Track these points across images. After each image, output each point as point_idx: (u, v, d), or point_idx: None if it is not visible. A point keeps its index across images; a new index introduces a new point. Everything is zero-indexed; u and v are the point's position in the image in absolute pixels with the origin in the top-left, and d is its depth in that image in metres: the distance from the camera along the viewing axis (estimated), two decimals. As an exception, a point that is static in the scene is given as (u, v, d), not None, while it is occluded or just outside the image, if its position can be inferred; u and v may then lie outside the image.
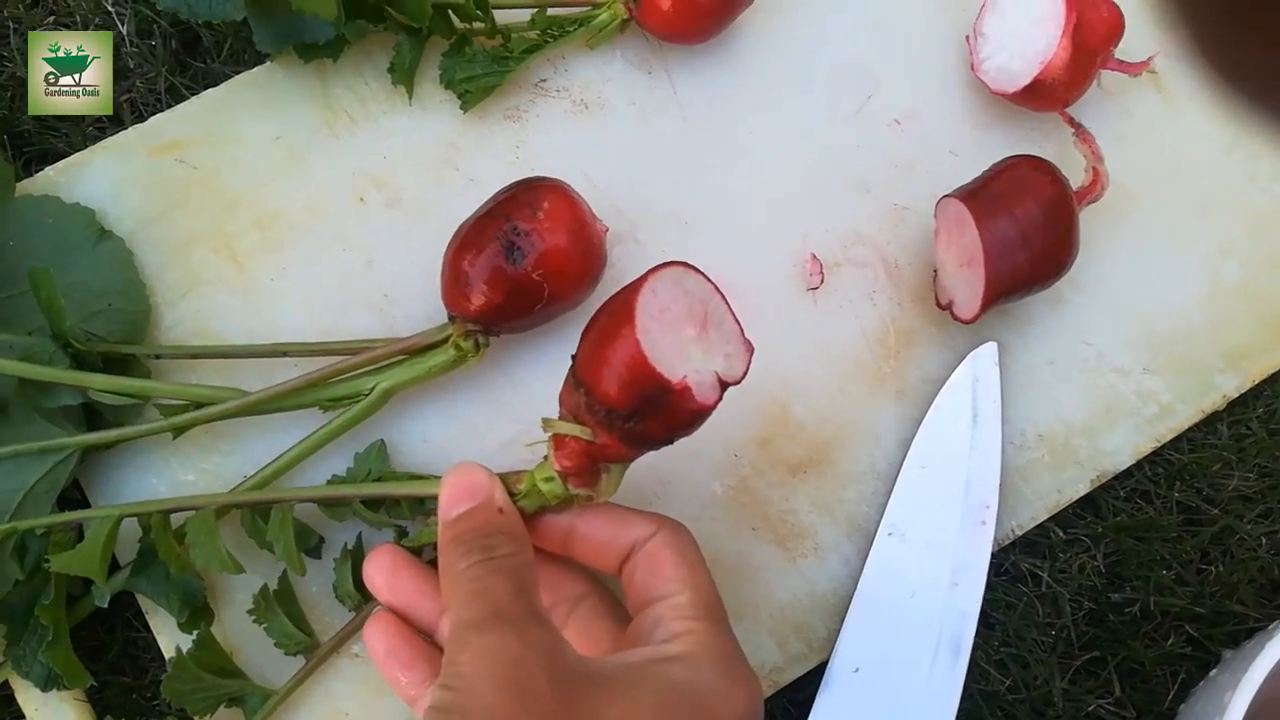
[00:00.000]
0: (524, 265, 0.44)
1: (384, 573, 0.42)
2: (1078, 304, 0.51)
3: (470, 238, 0.45)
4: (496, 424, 0.48)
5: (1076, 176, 0.48)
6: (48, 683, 0.43)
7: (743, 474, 0.48)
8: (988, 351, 0.50)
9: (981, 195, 0.47)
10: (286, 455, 0.45)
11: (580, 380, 0.36)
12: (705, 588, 0.38)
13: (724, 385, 0.36)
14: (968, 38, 0.53)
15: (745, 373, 0.37)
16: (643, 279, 0.36)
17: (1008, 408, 0.50)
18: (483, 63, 0.50)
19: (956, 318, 0.48)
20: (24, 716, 0.45)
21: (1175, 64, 0.52)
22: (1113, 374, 0.51)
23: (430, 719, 0.32)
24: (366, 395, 0.45)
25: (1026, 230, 0.46)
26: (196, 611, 0.44)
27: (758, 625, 0.47)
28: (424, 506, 0.44)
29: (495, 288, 0.44)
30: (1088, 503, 0.50)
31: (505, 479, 0.40)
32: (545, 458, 0.39)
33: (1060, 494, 0.49)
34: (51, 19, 0.53)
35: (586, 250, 0.46)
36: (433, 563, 0.43)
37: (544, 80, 0.52)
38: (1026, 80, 0.49)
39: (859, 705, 0.46)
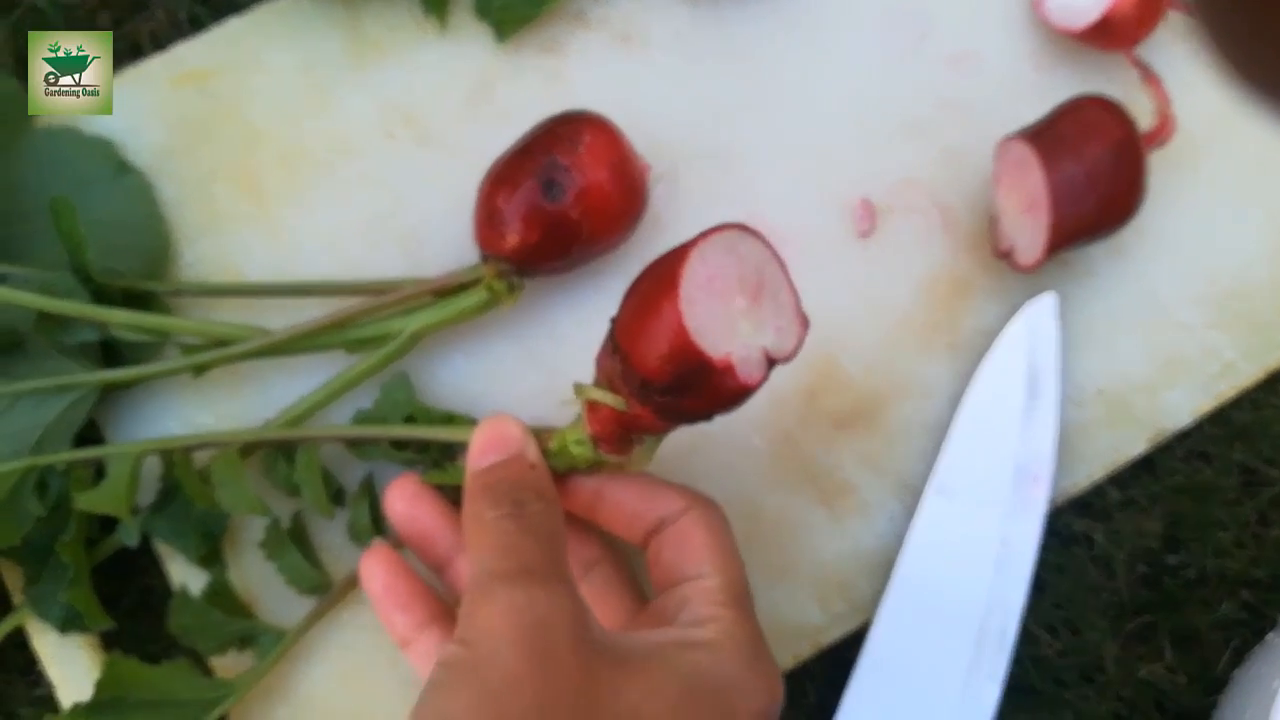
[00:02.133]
0: (563, 202, 0.42)
1: (405, 499, 0.40)
2: (1140, 255, 0.49)
3: (506, 173, 0.43)
4: (528, 371, 0.46)
5: (1141, 122, 0.46)
6: (66, 624, 0.42)
7: (786, 427, 0.46)
8: (1046, 303, 0.47)
9: (1046, 136, 0.44)
10: (310, 399, 0.43)
11: (618, 346, 0.34)
12: (736, 572, 0.36)
13: (772, 362, 0.34)
14: (1029, -27, 0.50)
15: (797, 350, 0.35)
16: (693, 243, 0.34)
17: (1066, 361, 0.47)
18: (520, -8, 0.47)
19: (1016, 266, 0.46)
20: (39, 663, 0.44)
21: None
22: (1175, 329, 0.48)
23: (441, 675, 0.30)
24: (394, 338, 0.43)
25: (1093, 173, 0.43)
26: (215, 549, 0.43)
27: (799, 584, 0.45)
28: (451, 451, 0.43)
29: (532, 226, 0.42)
30: (1144, 463, 0.48)
31: (537, 434, 0.38)
32: (578, 418, 0.37)
33: (1117, 453, 0.47)
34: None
35: (628, 188, 0.44)
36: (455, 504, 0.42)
37: (584, 11, 0.50)
38: (1095, 16, 0.46)
39: (903, 666, 0.44)
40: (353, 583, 0.43)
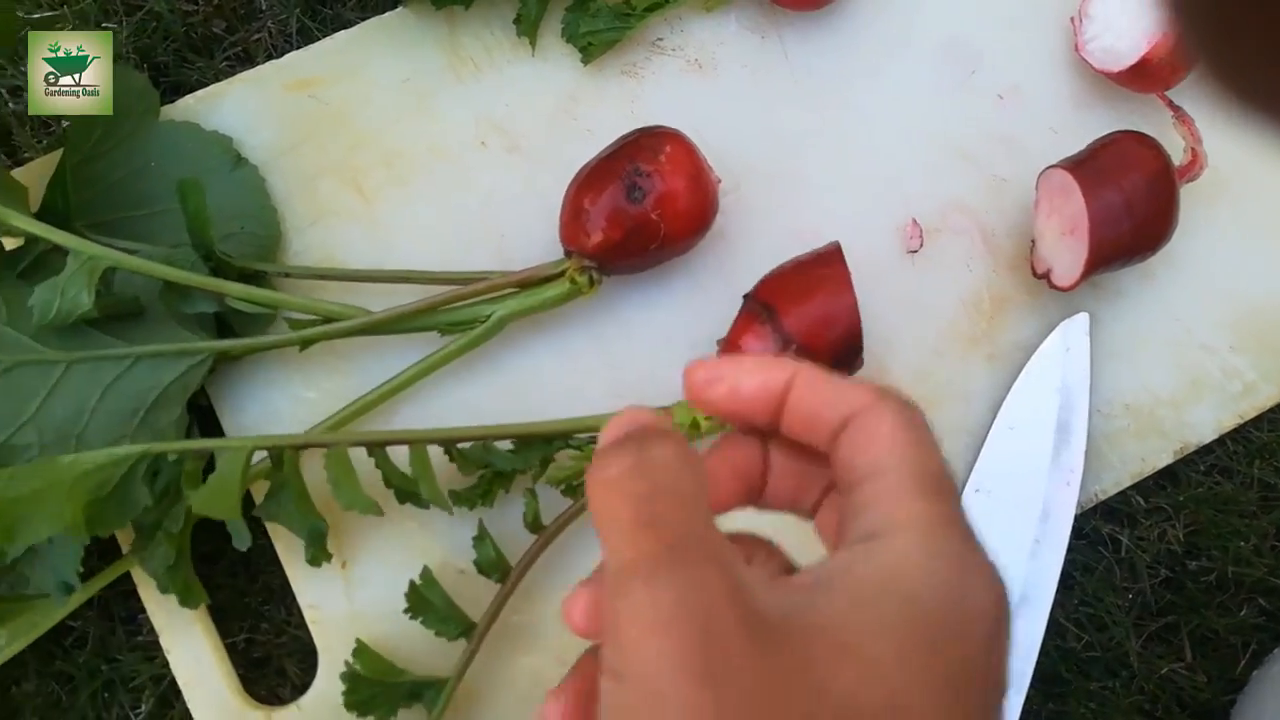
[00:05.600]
0: (644, 204, 0.46)
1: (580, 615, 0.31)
2: (1167, 280, 0.53)
3: (593, 178, 0.47)
4: (601, 362, 0.50)
5: (1172, 158, 0.50)
6: (167, 589, 0.45)
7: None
8: (1080, 321, 0.51)
9: (1088, 166, 0.48)
10: (404, 374, 0.47)
11: (783, 330, 0.44)
12: (930, 462, 0.28)
13: None
14: (1073, 19, 0.54)
15: None
16: (838, 249, 0.47)
17: (1096, 376, 0.51)
18: (605, 18, 0.52)
19: (1054, 285, 0.49)
20: (141, 612, 0.48)
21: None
22: (1199, 350, 0.52)
23: None
24: (483, 321, 0.47)
25: (1131, 201, 0.47)
26: (322, 548, 0.44)
27: (846, 570, 0.49)
28: (553, 446, 0.46)
29: (615, 225, 0.46)
30: (1168, 474, 0.52)
31: (665, 411, 0.44)
32: None
33: (1144, 462, 0.51)
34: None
35: (702, 196, 0.48)
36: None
37: (660, 39, 0.54)
38: (1133, 60, 0.51)
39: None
40: (493, 615, 0.45)
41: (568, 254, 0.48)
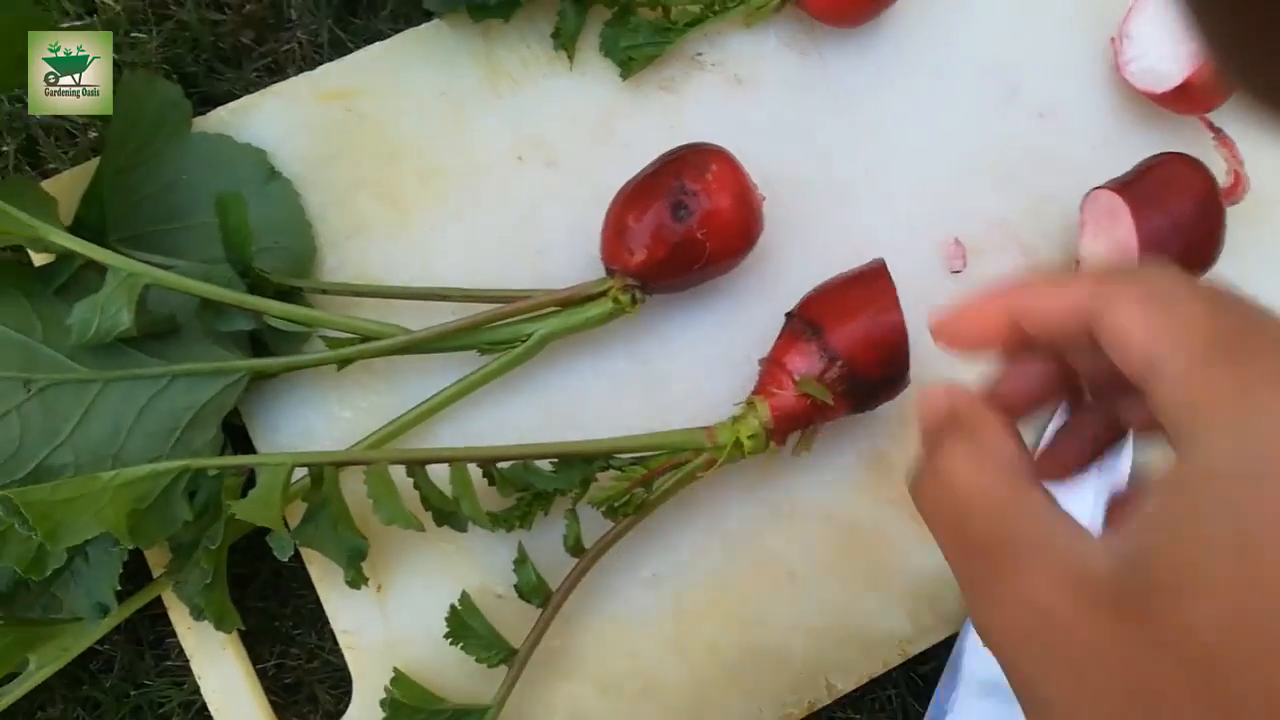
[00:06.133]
0: (690, 223, 0.45)
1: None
2: (1209, 303, 0.52)
3: (637, 195, 0.46)
4: (642, 381, 0.50)
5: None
6: (201, 615, 0.44)
7: (881, 448, 0.49)
8: (1124, 342, 0.50)
9: (1136, 188, 0.48)
10: (444, 393, 0.47)
11: (831, 349, 0.44)
12: (1194, 326, 0.24)
13: None
14: (1113, 39, 0.54)
15: None
16: (883, 266, 0.46)
17: (1139, 399, 0.51)
18: (645, 33, 0.51)
19: (1100, 306, 0.49)
20: (170, 636, 0.46)
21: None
22: (1242, 373, 0.52)
23: None
24: (524, 340, 0.47)
25: (1178, 224, 0.47)
26: (360, 570, 0.44)
27: (891, 595, 0.48)
28: (593, 466, 0.45)
29: (659, 243, 0.46)
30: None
31: (704, 432, 0.44)
32: (746, 413, 0.44)
33: (1187, 486, 0.50)
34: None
35: (747, 214, 0.47)
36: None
37: (700, 54, 0.53)
38: (1176, 81, 0.50)
39: (991, 678, 0.46)
40: (534, 642, 0.45)
41: (610, 272, 0.47)
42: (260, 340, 0.47)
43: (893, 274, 0.46)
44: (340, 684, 0.48)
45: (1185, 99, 0.51)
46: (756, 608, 0.48)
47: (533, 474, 0.45)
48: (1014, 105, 0.54)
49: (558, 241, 0.51)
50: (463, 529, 0.44)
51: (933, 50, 0.54)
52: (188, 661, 0.46)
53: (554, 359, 0.49)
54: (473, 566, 0.48)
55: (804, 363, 0.44)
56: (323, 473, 0.43)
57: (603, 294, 0.47)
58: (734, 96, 0.53)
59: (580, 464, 0.45)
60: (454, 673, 0.46)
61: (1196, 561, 0.22)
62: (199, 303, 0.44)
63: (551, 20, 0.52)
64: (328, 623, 0.47)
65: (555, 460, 0.45)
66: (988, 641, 0.25)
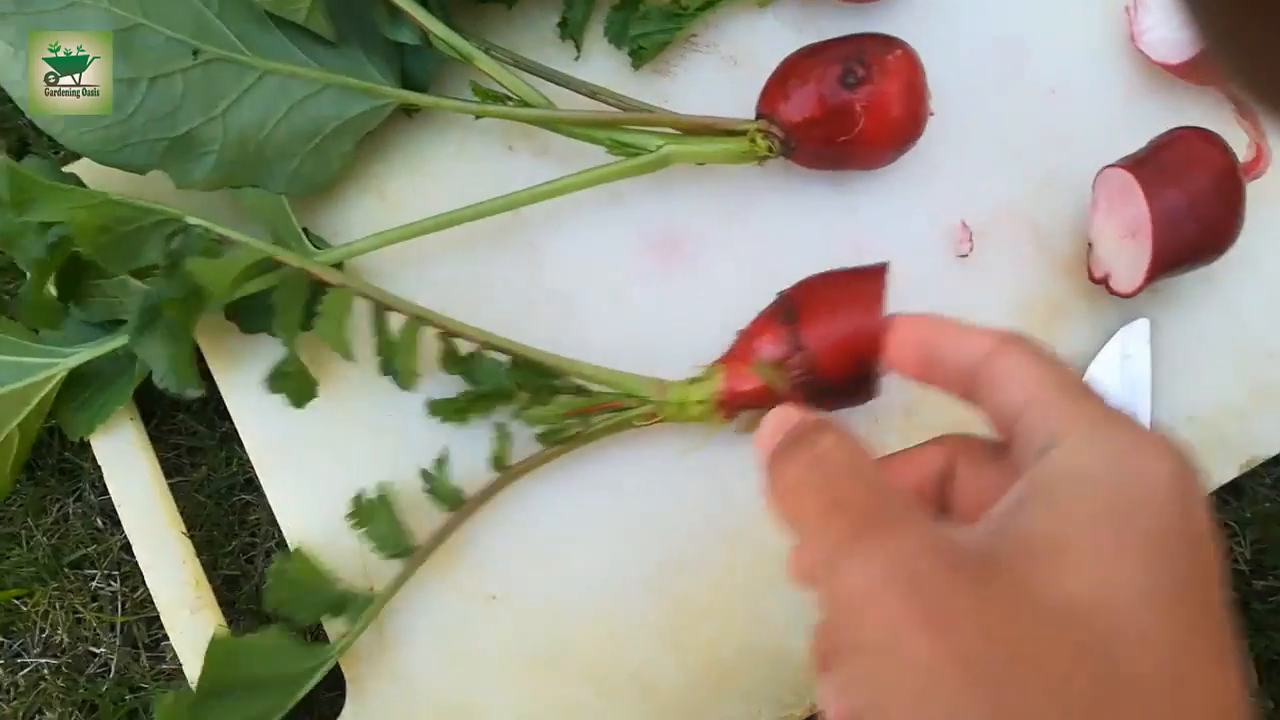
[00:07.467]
0: (854, 93, 0.45)
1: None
2: (1230, 283, 0.50)
3: (815, 50, 0.47)
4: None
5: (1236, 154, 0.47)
6: (165, 380, 0.43)
7: (886, 442, 0.48)
8: (1139, 327, 0.48)
9: (1149, 165, 0.46)
10: (561, 181, 0.47)
11: (803, 344, 0.42)
12: (1067, 375, 0.29)
13: None
14: (1127, 8, 0.51)
15: None
16: (881, 269, 0.42)
17: (1156, 386, 0.49)
18: (655, 20, 0.50)
19: (1114, 291, 0.47)
20: (163, 639, 0.46)
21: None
22: (1266, 357, 0.49)
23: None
24: (651, 151, 0.47)
25: (1195, 202, 0.45)
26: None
27: (894, 591, 0.47)
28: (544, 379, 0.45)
29: (818, 101, 0.46)
30: (1233, 489, 0.49)
31: (655, 384, 0.44)
32: (704, 378, 0.44)
33: (1207, 477, 0.48)
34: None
35: (910, 112, 0.46)
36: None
37: (695, 35, 0.52)
38: (1193, 50, 0.48)
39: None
40: (437, 541, 0.45)
41: (759, 115, 0.47)
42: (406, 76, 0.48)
43: (897, 260, 0.44)
44: (333, 686, 0.47)
45: (1204, 68, 0.49)
46: (756, 606, 0.47)
47: (485, 363, 0.45)
48: (1022, 81, 0.52)
49: (549, 233, 0.49)
50: (407, 386, 0.44)
51: (935, 29, 0.52)
52: (182, 666, 0.45)
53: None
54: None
55: (770, 346, 0.43)
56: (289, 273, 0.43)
57: (743, 132, 0.47)
58: (729, 77, 0.52)
59: (531, 373, 0.44)
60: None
61: (1067, 534, 0.25)
62: (373, 6, 0.46)
63: (558, 8, 0.51)
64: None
65: (513, 360, 0.45)
66: (839, 602, 0.26)
